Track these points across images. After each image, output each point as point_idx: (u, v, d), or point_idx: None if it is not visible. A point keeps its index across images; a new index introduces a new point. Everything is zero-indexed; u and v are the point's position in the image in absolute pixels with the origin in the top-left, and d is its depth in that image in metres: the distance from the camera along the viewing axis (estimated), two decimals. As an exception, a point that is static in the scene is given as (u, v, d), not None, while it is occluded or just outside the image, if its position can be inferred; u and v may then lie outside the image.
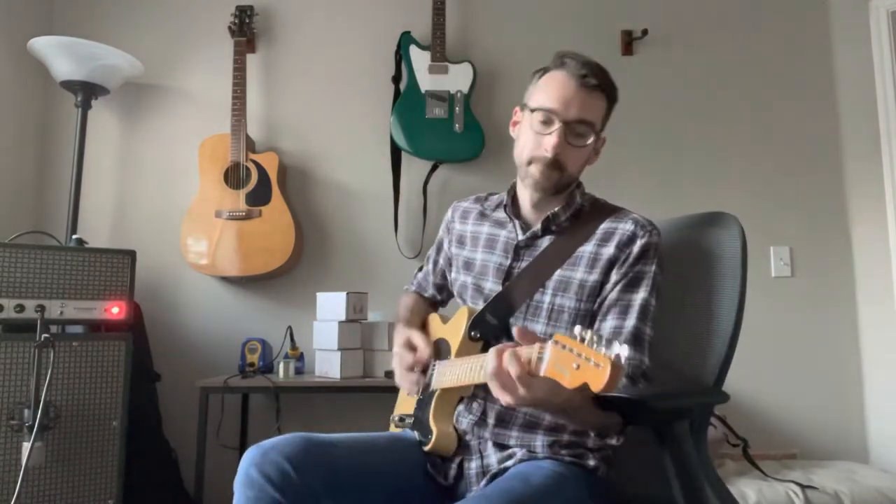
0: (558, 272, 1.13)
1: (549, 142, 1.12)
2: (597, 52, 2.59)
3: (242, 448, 2.39)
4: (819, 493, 1.93)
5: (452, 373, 1.11)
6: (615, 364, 0.71)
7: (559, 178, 1.15)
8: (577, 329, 0.77)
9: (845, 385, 2.52)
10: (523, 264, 1.17)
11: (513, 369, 0.85)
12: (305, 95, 2.61)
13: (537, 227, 1.19)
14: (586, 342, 0.76)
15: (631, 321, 1.08)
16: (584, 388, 0.74)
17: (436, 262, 1.40)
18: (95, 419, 1.82)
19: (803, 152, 2.63)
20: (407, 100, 2.47)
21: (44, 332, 1.70)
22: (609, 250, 1.12)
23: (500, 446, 1.13)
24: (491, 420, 1.13)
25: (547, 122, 1.13)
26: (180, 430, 2.32)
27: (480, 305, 1.20)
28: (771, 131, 2.64)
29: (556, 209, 1.18)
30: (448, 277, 1.36)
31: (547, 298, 1.13)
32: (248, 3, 2.54)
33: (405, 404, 1.30)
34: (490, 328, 1.14)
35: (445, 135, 2.43)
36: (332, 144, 2.58)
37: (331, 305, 2.17)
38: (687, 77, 2.66)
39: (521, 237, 1.19)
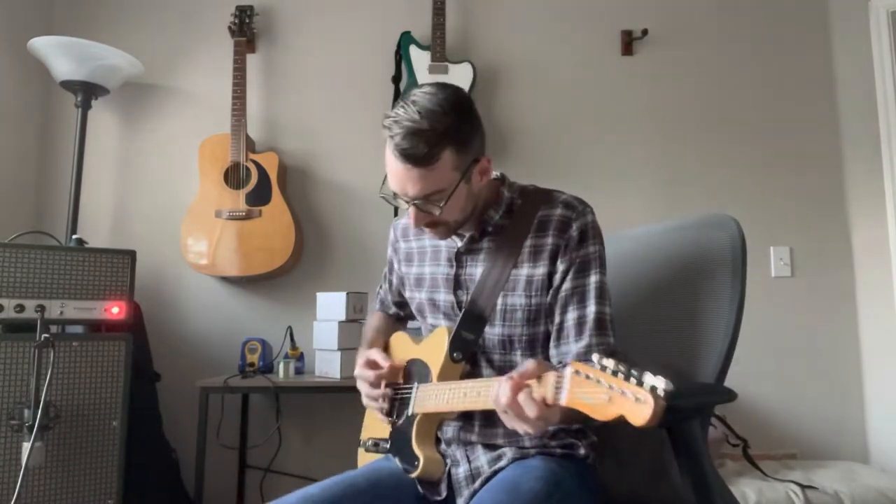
0: (506, 272, 1.12)
1: (410, 218, 1.09)
2: (597, 52, 2.65)
3: (242, 448, 2.39)
4: (819, 493, 1.93)
5: (440, 398, 1.08)
6: (657, 398, 0.70)
7: (448, 228, 1.12)
8: (596, 357, 0.77)
9: (845, 385, 2.52)
10: (468, 270, 1.16)
11: (531, 411, 0.85)
12: (305, 95, 2.62)
13: (473, 231, 1.16)
14: (608, 370, 0.75)
15: (591, 307, 1.07)
16: (621, 420, 0.73)
17: (391, 282, 1.38)
18: (95, 419, 1.82)
19: (803, 152, 2.63)
20: (407, 100, 2.47)
21: (44, 332, 1.70)
22: (548, 240, 1.10)
23: (489, 447, 1.12)
24: (477, 422, 1.12)
25: (399, 198, 1.08)
26: (180, 430, 2.32)
27: (440, 319, 1.19)
28: (771, 131, 2.64)
29: (488, 211, 1.15)
30: (404, 295, 1.33)
31: (499, 300, 1.11)
32: (248, 3, 2.54)
33: (375, 428, 1.27)
34: (468, 346, 1.12)
35: (445, 135, 2.43)
36: (332, 144, 2.58)
37: (331, 305, 2.17)
38: (687, 77, 2.66)
39: (460, 244, 1.17)
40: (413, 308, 1.29)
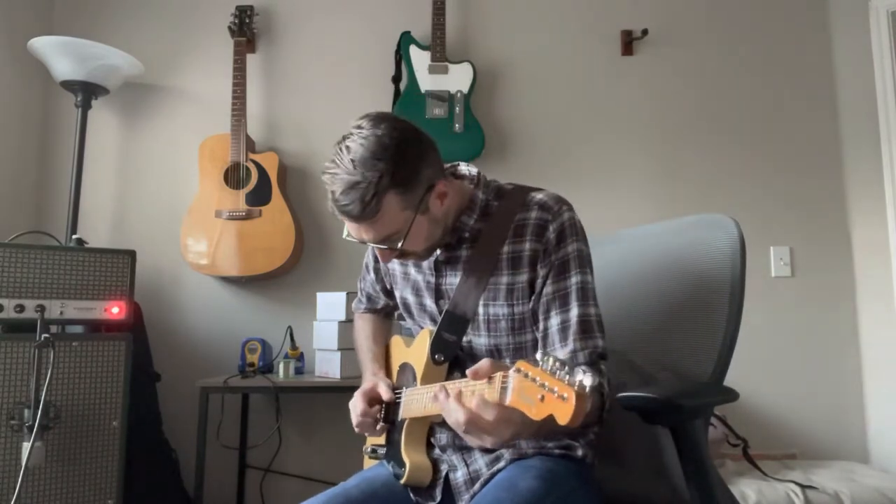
0: (484, 279, 1.10)
1: (378, 256, 1.09)
2: (597, 52, 2.65)
3: (242, 448, 2.39)
4: (819, 493, 1.93)
5: (420, 402, 1.07)
6: (579, 395, 0.68)
7: (420, 255, 1.10)
8: (539, 354, 0.76)
9: (845, 385, 2.52)
10: (448, 280, 1.14)
11: (489, 414, 0.80)
12: (305, 95, 2.62)
13: (450, 239, 1.12)
14: (548, 370, 0.73)
15: (574, 310, 1.04)
16: (551, 420, 0.71)
17: (377, 271, 1.34)
18: (95, 419, 1.82)
19: (803, 152, 2.63)
20: (407, 100, 2.47)
21: (44, 332, 1.70)
22: (526, 245, 1.07)
23: (486, 450, 1.11)
24: None
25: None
26: (180, 430, 2.32)
27: (426, 321, 1.18)
28: (771, 131, 2.64)
29: (461, 217, 1.11)
30: (392, 288, 1.30)
31: (481, 310, 1.09)
32: (248, 3, 2.54)
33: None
34: (450, 347, 1.10)
35: (445, 135, 2.43)
36: (332, 144, 2.57)
37: (331, 305, 2.18)
38: (687, 77, 2.66)
39: (438, 253, 1.14)
40: (399, 305, 1.27)
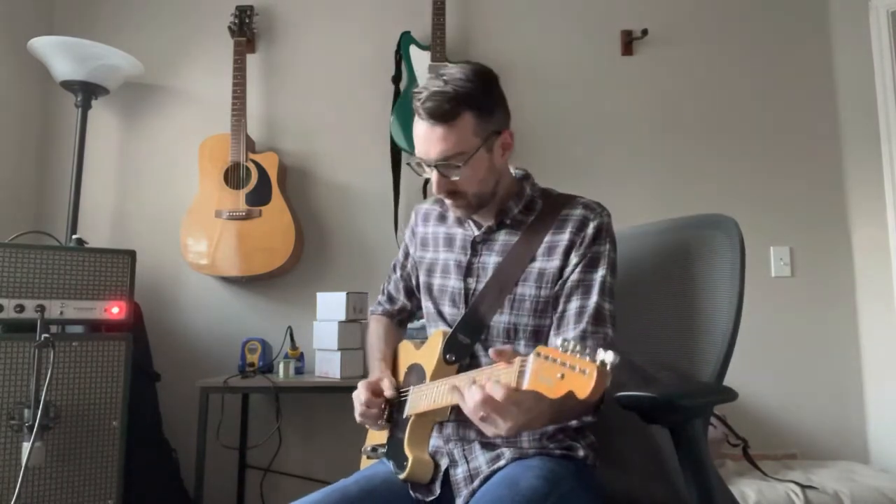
0: (517, 270, 1.15)
1: (433, 184, 1.14)
2: (597, 52, 2.65)
3: (242, 448, 2.39)
4: (819, 493, 1.93)
5: (428, 397, 1.10)
6: (601, 370, 0.71)
7: (469, 203, 1.16)
8: (559, 340, 0.78)
9: (845, 385, 2.52)
10: (482, 259, 1.19)
11: (498, 395, 0.85)
12: (305, 95, 2.62)
13: (492, 222, 1.20)
14: (569, 351, 0.76)
15: (593, 299, 1.10)
16: (570, 396, 0.74)
17: (404, 267, 1.39)
18: (95, 419, 1.83)
19: (803, 152, 2.63)
20: (407, 100, 2.47)
21: (44, 332, 1.70)
22: (565, 236, 1.14)
23: (487, 446, 1.12)
24: None
25: (422, 165, 1.14)
26: (180, 430, 2.32)
27: (446, 305, 1.22)
28: (771, 131, 2.64)
29: (507, 203, 1.19)
30: (419, 280, 1.34)
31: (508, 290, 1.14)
32: (248, 3, 2.54)
33: (376, 434, 1.28)
34: (463, 349, 1.14)
35: (445, 135, 2.43)
36: (332, 144, 2.58)
37: (331, 305, 2.17)
38: (687, 77, 2.66)
39: (477, 233, 1.21)
40: (423, 289, 1.30)
